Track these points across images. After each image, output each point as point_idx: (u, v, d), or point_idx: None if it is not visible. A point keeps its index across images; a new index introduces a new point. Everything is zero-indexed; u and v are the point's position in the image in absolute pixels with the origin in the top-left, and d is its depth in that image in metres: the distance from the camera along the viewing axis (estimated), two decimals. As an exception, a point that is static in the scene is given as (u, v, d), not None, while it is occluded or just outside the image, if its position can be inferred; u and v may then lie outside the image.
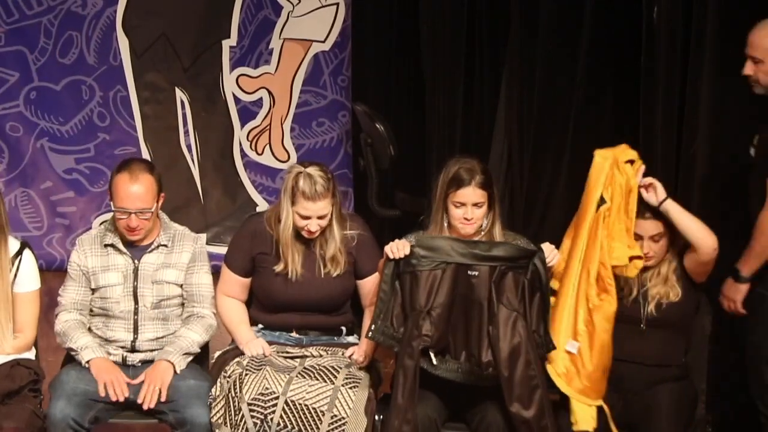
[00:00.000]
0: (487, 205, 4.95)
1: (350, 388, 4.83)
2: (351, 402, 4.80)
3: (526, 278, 4.79)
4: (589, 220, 4.94)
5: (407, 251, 4.82)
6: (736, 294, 5.08)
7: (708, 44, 5.62)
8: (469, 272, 4.82)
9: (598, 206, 4.93)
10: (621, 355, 4.97)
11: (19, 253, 4.98)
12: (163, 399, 4.89)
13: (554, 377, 4.90)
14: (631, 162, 4.99)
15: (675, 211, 4.93)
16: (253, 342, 5.05)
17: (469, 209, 4.91)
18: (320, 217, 5.00)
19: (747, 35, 5.06)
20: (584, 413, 4.90)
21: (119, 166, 5.02)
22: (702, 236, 4.90)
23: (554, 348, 4.86)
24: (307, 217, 5.00)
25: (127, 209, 4.95)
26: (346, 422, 4.77)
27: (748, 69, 5.19)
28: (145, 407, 4.89)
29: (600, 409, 4.89)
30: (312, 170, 5.00)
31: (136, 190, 4.94)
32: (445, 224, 4.98)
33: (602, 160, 4.97)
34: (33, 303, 5.01)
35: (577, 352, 4.90)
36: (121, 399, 4.90)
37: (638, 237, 4.98)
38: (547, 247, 4.86)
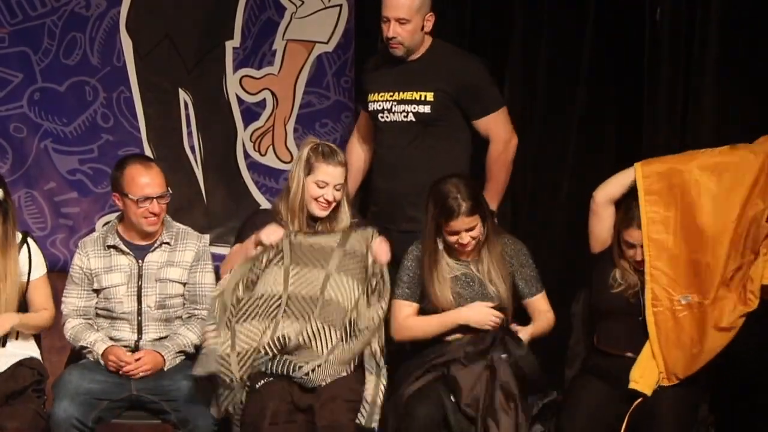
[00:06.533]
0: (480, 223, 5.02)
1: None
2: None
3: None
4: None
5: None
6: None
7: (711, 44, 5.62)
8: None
9: None
10: (618, 350, 5.02)
11: (23, 242, 5.10)
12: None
13: (650, 324, 4.90)
14: None
15: None
16: (268, 229, 5.03)
17: (463, 235, 5.01)
18: (337, 188, 5.04)
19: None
20: (648, 376, 4.89)
21: (125, 161, 5.19)
22: None
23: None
24: (325, 184, 5.03)
25: (150, 195, 5.06)
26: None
27: (392, 31, 5.21)
28: (126, 372, 4.95)
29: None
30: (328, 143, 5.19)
31: (154, 175, 5.11)
32: (440, 247, 5.04)
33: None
34: (45, 285, 5.15)
35: (685, 305, 4.89)
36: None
37: (630, 246, 4.99)
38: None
